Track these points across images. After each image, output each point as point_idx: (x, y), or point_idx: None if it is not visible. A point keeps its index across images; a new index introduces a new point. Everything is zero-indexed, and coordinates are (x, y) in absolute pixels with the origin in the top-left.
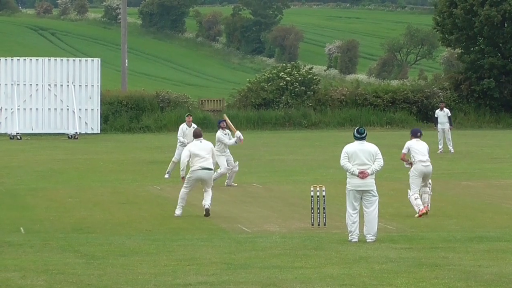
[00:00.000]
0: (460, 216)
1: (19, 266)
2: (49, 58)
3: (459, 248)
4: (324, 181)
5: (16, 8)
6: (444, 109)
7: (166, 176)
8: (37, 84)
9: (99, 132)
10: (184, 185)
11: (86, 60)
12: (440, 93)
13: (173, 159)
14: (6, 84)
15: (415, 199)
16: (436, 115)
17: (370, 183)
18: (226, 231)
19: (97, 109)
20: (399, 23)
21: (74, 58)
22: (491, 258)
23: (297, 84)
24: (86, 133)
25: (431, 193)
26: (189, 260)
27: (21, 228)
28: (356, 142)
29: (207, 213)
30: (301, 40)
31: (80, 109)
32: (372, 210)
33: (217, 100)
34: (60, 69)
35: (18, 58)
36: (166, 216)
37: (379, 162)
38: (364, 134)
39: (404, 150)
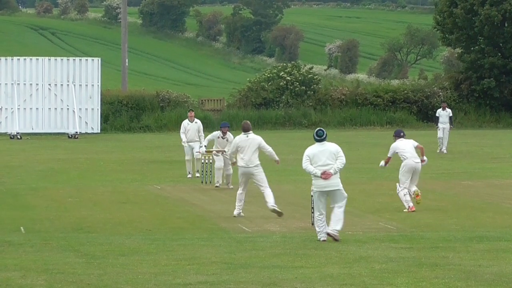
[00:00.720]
0: (460, 216)
1: (19, 265)
2: (49, 57)
3: (459, 248)
4: None
5: (16, 7)
6: (447, 109)
7: (189, 176)
8: (37, 84)
9: (99, 131)
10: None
11: (87, 60)
12: (441, 93)
13: (185, 158)
14: (6, 84)
15: (404, 195)
16: (437, 115)
17: (335, 182)
18: (226, 231)
19: (97, 109)
20: (399, 23)
21: (74, 58)
22: (491, 257)
23: (298, 83)
24: (86, 133)
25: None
26: (189, 259)
27: (22, 227)
28: (317, 144)
29: (277, 213)
30: (302, 39)
31: (80, 109)
32: (339, 209)
33: (217, 100)
34: (60, 69)
35: (18, 57)
36: (166, 215)
37: (341, 160)
38: (323, 136)
39: (389, 154)
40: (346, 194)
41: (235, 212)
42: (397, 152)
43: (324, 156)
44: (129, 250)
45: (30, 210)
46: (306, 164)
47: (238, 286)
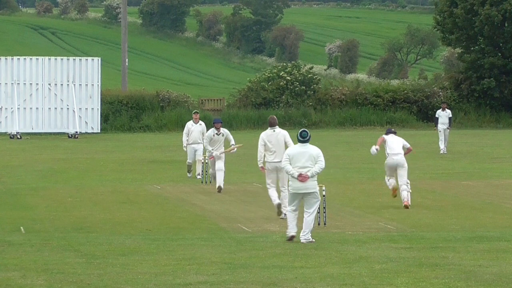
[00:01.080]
0: (460, 216)
1: (19, 265)
2: (49, 57)
3: (459, 248)
4: (325, 180)
5: (17, 7)
6: (446, 109)
7: (189, 175)
8: (37, 84)
9: (99, 131)
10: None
11: (87, 60)
12: (441, 93)
13: (188, 161)
14: (6, 84)
15: (388, 180)
16: (437, 115)
17: (310, 185)
18: (226, 231)
19: (97, 109)
20: (399, 23)
21: (74, 58)
22: (491, 258)
23: (297, 83)
24: (86, 133)
25: (410, 190)
26: (189, 259)
27: (21, 227)
28: (299, 145)
29: (279, 211)
30: (302, 39)
31: (80, 109)
32: (311, 212)
33: (217, 100)
34: (60, 69)
35: (18, 57)
36: (166, 215)
37: (320, 165)
38: (307, 138)
39: (380, 139)
40: (320, 199)
41: (276, 202)
42: (385, 142)
43: (304, 158)
44: (129, 250)
45: (30, 210)
46: (285, 163)
47: (238, 286)
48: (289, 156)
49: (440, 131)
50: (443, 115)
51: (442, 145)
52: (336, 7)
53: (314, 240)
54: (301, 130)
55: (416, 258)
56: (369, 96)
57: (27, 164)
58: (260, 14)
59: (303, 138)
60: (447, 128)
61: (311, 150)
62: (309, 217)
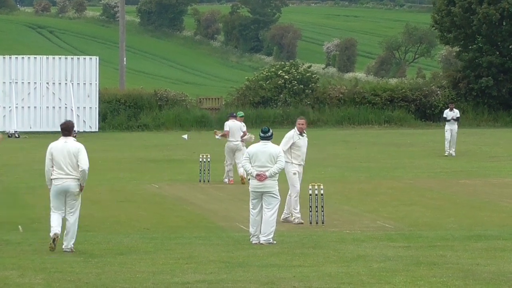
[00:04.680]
0: (458, 215)
1: (17, 264)
2: (47, 56)
3: (457, 247)
4: (322, 179)
5: (14, 6)
6: (454, 109)
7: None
8: (35, 82)
9: (97, 130)
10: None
11: (84, 58)
12: (439, 92)
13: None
14: (4, 82)
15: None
16: (444, 115)
17: (269, 184)
18: (224, 230)
19: (95, 107)
20: (397, 22)
21: (72, 56)
22: (489, 256)
23: (296, 82)
24: (84, 131)
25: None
26: (187, 258)
27: (19, 226)
28: (260, 143)
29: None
30: (299, 38)
31: (78, 107)
32: (270, 211)
33: (215, 98)
34: (58, 67)
35: (16, 56)
36: (164, 214)
37: (279, 165)
38: (268, 134)
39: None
40: (279, 198)
41: (296, 221)
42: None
43: (263, 157)
44: (127, 249)
45: (28, 209)
46: (245, 162)
47: (236, 285)
48: (249, 154)
49: (446, 131)
50: (451, 115)
51: (447, 146)
52: (334, 5)
53: (275, 242)
54: (263, 127)
55: (414, 257)
56: (367, 95)
57: (25, 163)
58: (258, 13)
59: (264, 134)
60: (455, 131)
61: (271, 149)
62: (269, 213)
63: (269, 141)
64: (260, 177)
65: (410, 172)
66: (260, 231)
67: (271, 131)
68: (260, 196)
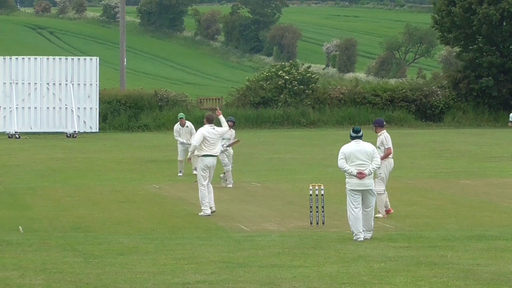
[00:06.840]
0: (458, 215)
1: (17, 265)
2: (47, 57)
3: (457, 247)
4: (323, 179)
5: (15, 7)
6: None
7: (180, 174)
8: (35, 83)
9: (97, 131)
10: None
11: (85, 59)
12: (439, 92)
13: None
14: (4, 83)
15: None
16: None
17: (368, 183)
18: (225, 230)
19: (96, 108)
20: (397, 22)
21: (72, 57)
22: (490, 256)
23: (296, 82)
24: (84, 132)
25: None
26: (187, 259)
27: (20, 227)
28: (353, 142)
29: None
30: (300, 38)
31: (78, 108)
32: (370, 209)
33: (215, 99)
34: (58, 68)
35: (16, 57)
36: (164, 214)
37: (376, 162)
38: (360, 133)
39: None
40: (375, 195)
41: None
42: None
43: (361, 155)
44: (128, 250)
45: (29, 210)
46: (341, 162)
47: (237, 285)
48: (345, 154)
49: None
50: None
51: None
52: (334, 6)
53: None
54: (354, 126)
55: (415, 257)
56: (368, 95)
57: (26, 164)
58: (258, 13)
59: (356, 133)
60: None
61: (366, 147)
62: (370, 213)
63: (361, 140)
64: (361, 174)
65: (411, 172)
66: (364, 228)
67: (362, 130)
68: (360, 193)
